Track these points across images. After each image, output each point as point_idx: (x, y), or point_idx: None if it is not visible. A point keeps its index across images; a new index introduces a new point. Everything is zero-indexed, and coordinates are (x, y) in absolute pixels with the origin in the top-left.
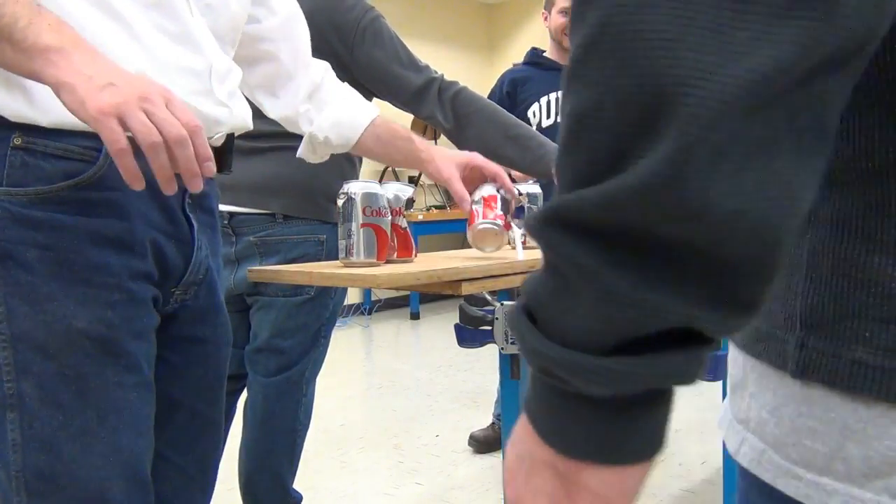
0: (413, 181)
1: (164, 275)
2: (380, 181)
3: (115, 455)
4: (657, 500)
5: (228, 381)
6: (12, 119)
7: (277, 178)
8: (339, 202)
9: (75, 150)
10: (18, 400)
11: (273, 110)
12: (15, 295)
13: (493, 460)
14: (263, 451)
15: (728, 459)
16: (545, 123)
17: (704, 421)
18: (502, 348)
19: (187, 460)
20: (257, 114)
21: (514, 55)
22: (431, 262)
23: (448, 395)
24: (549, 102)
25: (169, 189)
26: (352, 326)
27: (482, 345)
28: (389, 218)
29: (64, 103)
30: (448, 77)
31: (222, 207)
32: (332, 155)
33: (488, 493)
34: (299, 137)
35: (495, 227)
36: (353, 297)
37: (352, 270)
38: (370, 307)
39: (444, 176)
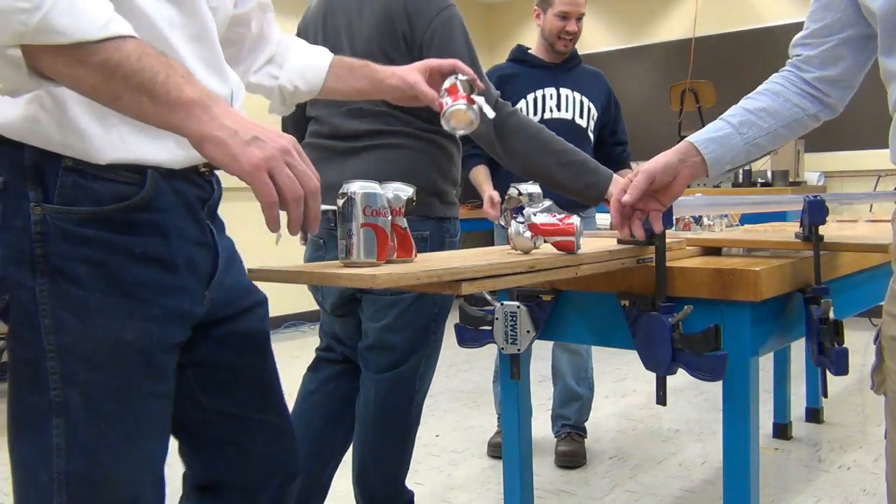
0: None
1: (197, 281)
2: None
3: (149, 461)
4: (657, 500)
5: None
6: (68, 155)
7: (376, 176)
8: (339, 202)
9: (123, 174)
10: (64, 407)
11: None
12: (64, 308)
13: (493, 460)
14: (377, 448)
15: (728, 459)
16: None
17: (704, 421)
18: (502, 348)
19: (264, 414)
20: (353, 113)
21: None
22: (431, 262)
23: (448, 395)
24: (535, 99)
25: (295, 232)
26: None
27: (482, 345)
28: (389, 218)
29: (209, 156)
30: None
31: (327, 207)
32: (428, 150)
33: (488, 493)
34: (393, 135)
35: (462, 105)
36: None
37: (352, 270)
38: None
39: (409, 82)
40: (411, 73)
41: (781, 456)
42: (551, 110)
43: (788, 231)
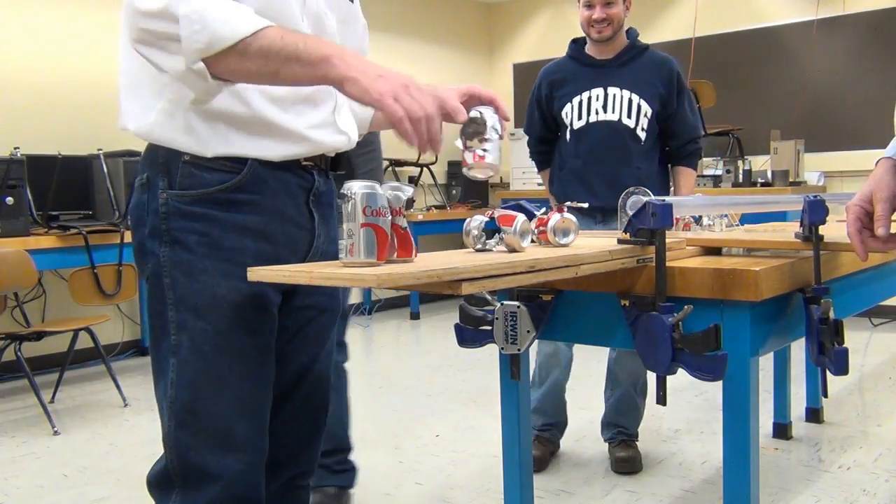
0: (413, 181)
1: (293, 256)
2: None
3: (241, 399)
4: (657, 500)
5: None
6: (185, 151)
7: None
8: (339, 202)
9: (227, 164)
10: (178, 348)
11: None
12: (178, 269)
13: (493, 460)
14: None
15: (728, 459)
16: (577, 125)
17: (704, 421)
18: (502, 348)
19: (297, 406)
20: None
21: (514, 55)
22: (431, 262)
23: (448, 395)
24: (580, 103)
25: (424, 150)
26: (352, 326)
27: (482, 345)
28: (389, 218)
29: (348, 93)
30: (448, 77)
31: None
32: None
33: (488, 493)
34: None
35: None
36: (353, 297)
37: (352, 270)
38: (370, 307)
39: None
40: (448, 92)
41: (781, 456)
42: (597, 112)
43: (788, 231)
